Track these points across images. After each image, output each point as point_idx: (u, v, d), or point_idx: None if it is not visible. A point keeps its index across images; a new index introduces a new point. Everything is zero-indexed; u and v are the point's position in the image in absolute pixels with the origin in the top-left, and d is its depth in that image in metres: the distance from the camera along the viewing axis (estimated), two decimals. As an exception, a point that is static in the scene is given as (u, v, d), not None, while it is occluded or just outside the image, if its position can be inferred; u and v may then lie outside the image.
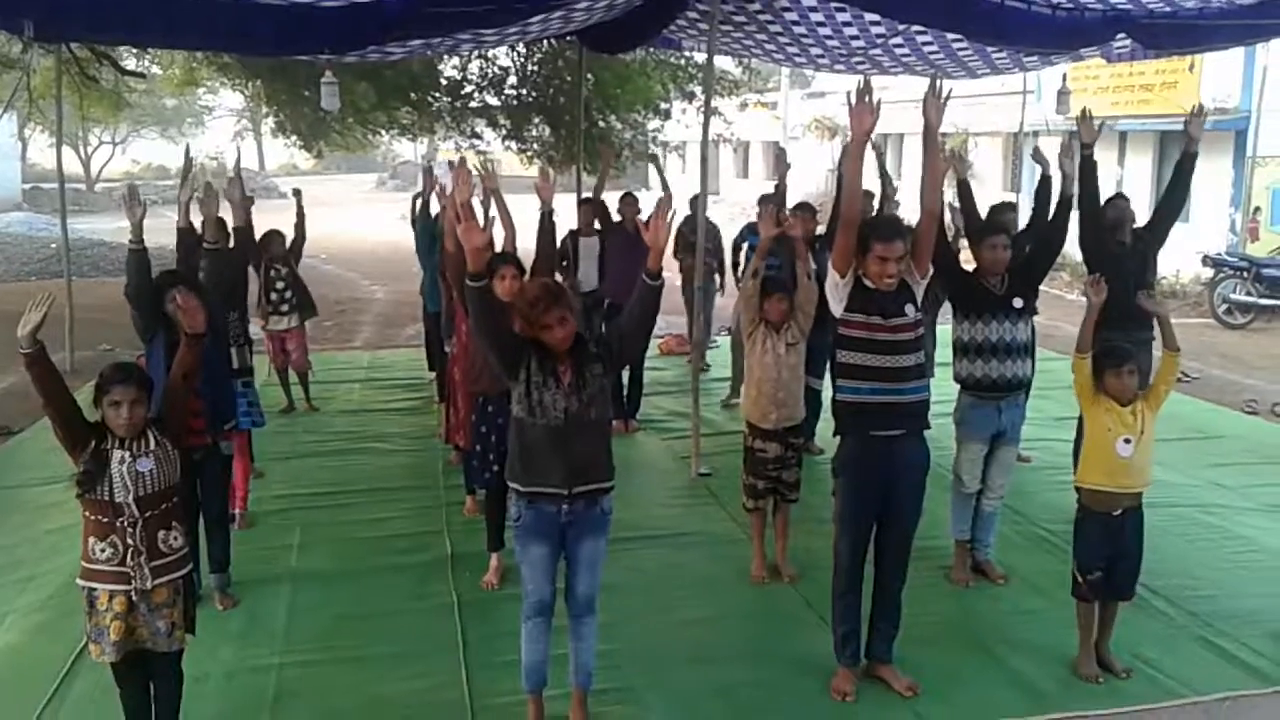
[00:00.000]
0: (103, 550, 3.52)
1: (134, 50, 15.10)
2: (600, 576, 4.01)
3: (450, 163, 8.24)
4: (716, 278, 9.32)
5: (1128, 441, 4.25)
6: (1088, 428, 4.43)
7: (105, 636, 3.54)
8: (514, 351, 3.74)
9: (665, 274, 3.84)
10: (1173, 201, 6.29)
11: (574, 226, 8.94)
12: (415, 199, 9.08)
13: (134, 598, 3.54)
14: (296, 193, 8.69)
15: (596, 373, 3.78)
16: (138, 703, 3.72)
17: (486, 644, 4.70)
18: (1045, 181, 6.43)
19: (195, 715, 3.99)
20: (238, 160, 7.71)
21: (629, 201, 8.39)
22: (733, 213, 30.71)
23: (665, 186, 7.92)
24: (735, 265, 9.13)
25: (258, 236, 7.62)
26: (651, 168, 8.68)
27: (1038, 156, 6.65)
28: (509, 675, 4.20)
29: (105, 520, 3.51)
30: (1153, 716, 4.20)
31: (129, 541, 3.51)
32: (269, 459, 7.21)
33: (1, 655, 4.71)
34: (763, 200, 8.84)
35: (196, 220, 5.96)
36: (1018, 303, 5.19)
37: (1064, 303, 15.20)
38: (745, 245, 8.87)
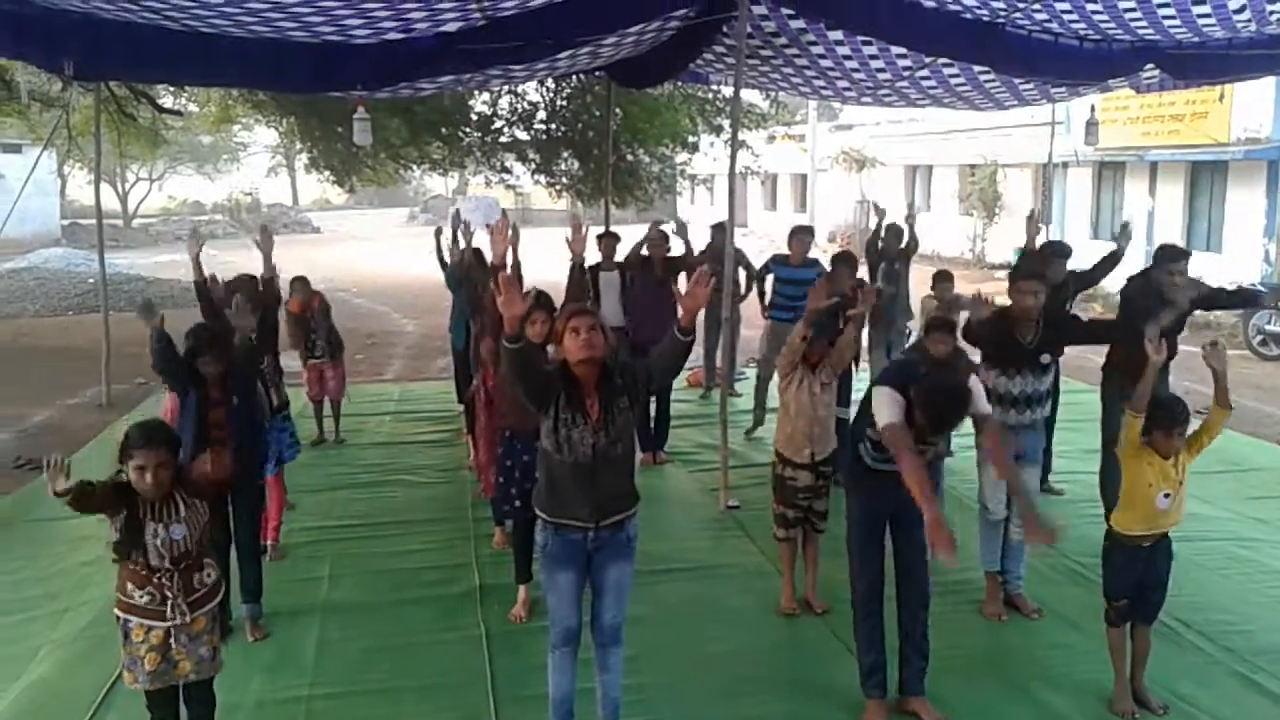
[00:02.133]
0: (141, 595, 3.61)
1: (171, 88, 15.38)
2: (627, 605, 4.01)
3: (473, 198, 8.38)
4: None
5: (1168, 496, 4.22)
6: (1127, 477, 4.32)
7: (140, 666, 3.61)
8: (545, 393, 3.77)
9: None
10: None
11: (595, 261, 8.98)
12: (437, 234, 9.19)
13: (172, 632, 3.61)
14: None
15: (623, 406, 3.81)
16: (169, 731, 3.76)
17: (515, 677, 4.70)
18: (1116, 254, 6.58)
19: (226, 746, 4.01)
20: (264, 214, 7.83)
21: (658, 240, 8.33)
22: (761, 245, 30.80)
23: (691, 251, 7.96)
24: (762, 295, 9.11)
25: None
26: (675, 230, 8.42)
27: (1123, 236, 7.06)
28: (537, 708, 4.19)
29: (143, 573, 3.60)
30: (1189, 754, 4.14)
31: (166, 593, 3.61)
32: (300, 491, 7.25)
33: (36, 687, 4.75)
34: (795, 232, 8.82)
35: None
36: (1045, 359, 5.24)
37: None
38: (770, 276, 8.85)
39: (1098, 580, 4.69)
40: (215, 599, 3.75)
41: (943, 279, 7.93)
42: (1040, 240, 7.96)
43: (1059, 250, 7.21)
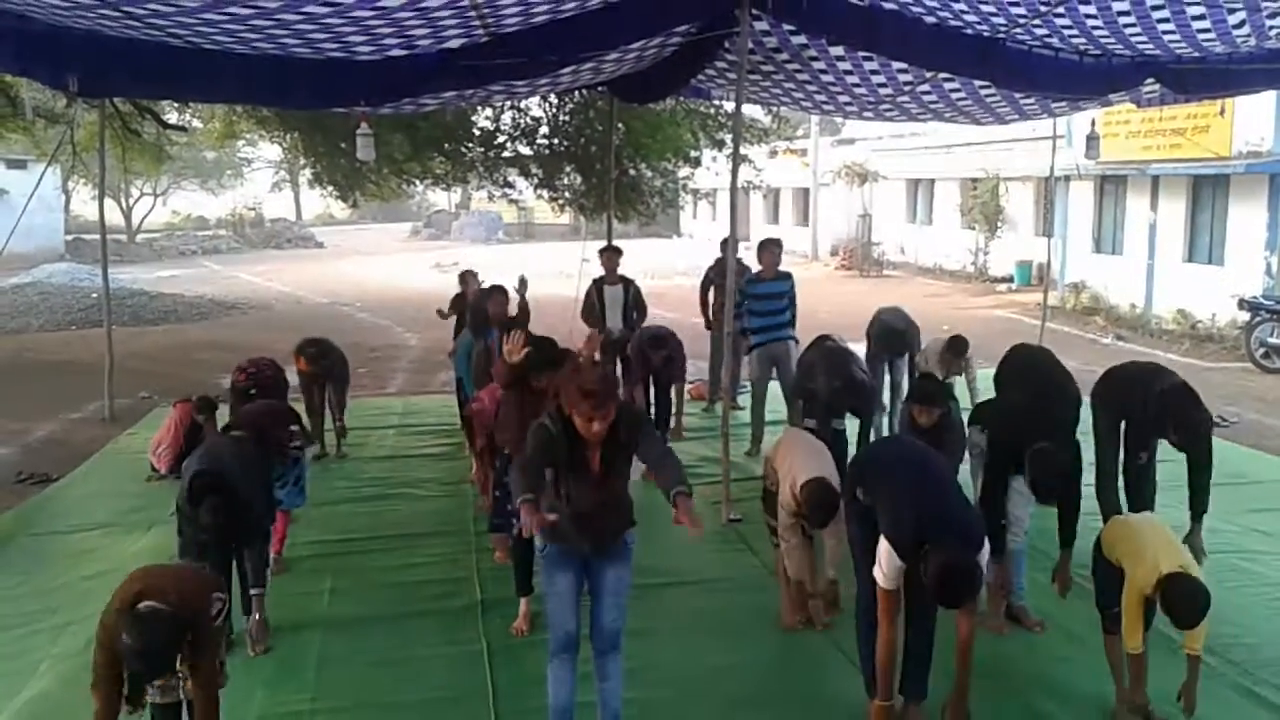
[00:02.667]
0: None
1: (175, 104, 15.46)
2: (625, 609, 4.04)
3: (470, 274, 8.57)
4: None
5: None
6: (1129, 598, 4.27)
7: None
8: (550, 461, 3.83)
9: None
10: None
11: (599, 275, 9.11)
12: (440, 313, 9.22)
13: None
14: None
15: (624, 459, 3.89)
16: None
17: (516, 690, 4.70)
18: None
19: (227, 760, 4.01)
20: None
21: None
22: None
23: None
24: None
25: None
26: None
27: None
28: (538, 722, 4.19)
29: None
30: (1192, 766, 4.14)
31: None
32: (305, 504, 7.25)
33: (36, 701, 4.75)
34: (763, 245, 8.78)
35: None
36: None
37: (1098, 347, 15.10)
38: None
39: (1100, 593, 4.69)
40: (219, 619, 3.76)
41: (956, 349, 7.95)
42: (1040, 251, 7.87)
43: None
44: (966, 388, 8.12)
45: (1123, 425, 6.29)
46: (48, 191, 29.72)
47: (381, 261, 33.34)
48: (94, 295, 19.29)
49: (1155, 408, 5.85)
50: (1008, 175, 23.19)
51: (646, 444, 3.93)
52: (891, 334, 8.67)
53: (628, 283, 9.13)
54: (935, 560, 3.88)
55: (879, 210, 29.54)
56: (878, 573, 4.10)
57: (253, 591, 5.13)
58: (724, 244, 9.87)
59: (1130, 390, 6.14)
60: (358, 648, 5.24)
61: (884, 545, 4.08)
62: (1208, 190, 16.92)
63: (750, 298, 8.56)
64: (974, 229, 24.60)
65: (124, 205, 42.20)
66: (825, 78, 8.16)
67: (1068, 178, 18.42)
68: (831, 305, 17.52)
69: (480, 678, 4.87)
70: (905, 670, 4.37)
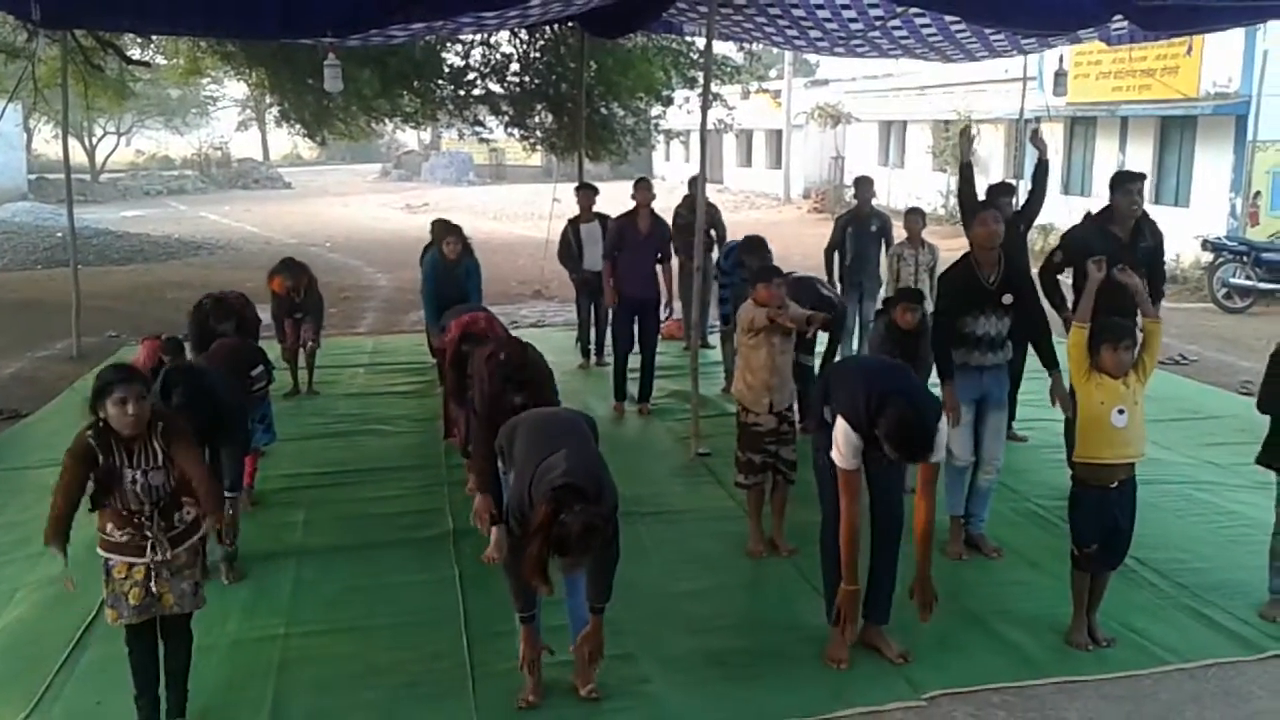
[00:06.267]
0: (122, 534, 3.67)
1: (139, 39, 15.16)
2: None
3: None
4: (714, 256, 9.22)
5: (1121, 412, 4.32)
6: (1081, 402, 4.46)
7: (124, 602, 3.69)
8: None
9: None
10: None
11: (574, 215, 9.11)
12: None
13: (153, 567, 3.67)
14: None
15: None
16: (146, 663, 3.83)
17: (487, 615, 4.77)
18: (1042, 166, 6.67)
19: (203, 681, 4.09)
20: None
21: (643, 187, 8.29)
22: (736, 200, 30.73)
23: None
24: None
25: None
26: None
27: (1036, 140, 6.82)
28: (509, 645, 4.28)
29: (123, 514, 3.65)
30: (1139, 682, 4.28)
31: (146, 532, 3.66)
32: (275, 440, 7.28)
33: (13, 627, 4.81)
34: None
35: None
36: (1007, 299, 5.28)
37: (1064, 286, 15.21)
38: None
39: (1058, 523, 4.83)
40: (195, 534, 3.80)
41: (915, 213, 8.09)
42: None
43: (1004, 187, 7.35)
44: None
45: None
46: (9, 129, 29.18)
47: (351, 202, 33.04)
48: (59, 235, 19.02)
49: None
50: (979, 118, 23.18)
51: (605, 553, 3.83)
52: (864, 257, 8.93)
53: (604, 219, 9.14)
54: (891, 417, 3.96)
55: (851, 153, 29.49)
56: (835, 454, 4.18)
57: (228, 494, 5.10)
58: (692, 181, 9.87)
59: None
60: (331, 576, 5.31)
61: (841, 424, 4.16)
62: (1175, 132, 17.04)
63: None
64: (945, 171, 24.64)
65: (87, 144, 41.44)
66: (796, 12, 8.12)
67: (1038, 119, 18.46)
68: (804, 248, 17.53)
69: (452, 603, 4.96)
70: (869, 595, 4.48)
